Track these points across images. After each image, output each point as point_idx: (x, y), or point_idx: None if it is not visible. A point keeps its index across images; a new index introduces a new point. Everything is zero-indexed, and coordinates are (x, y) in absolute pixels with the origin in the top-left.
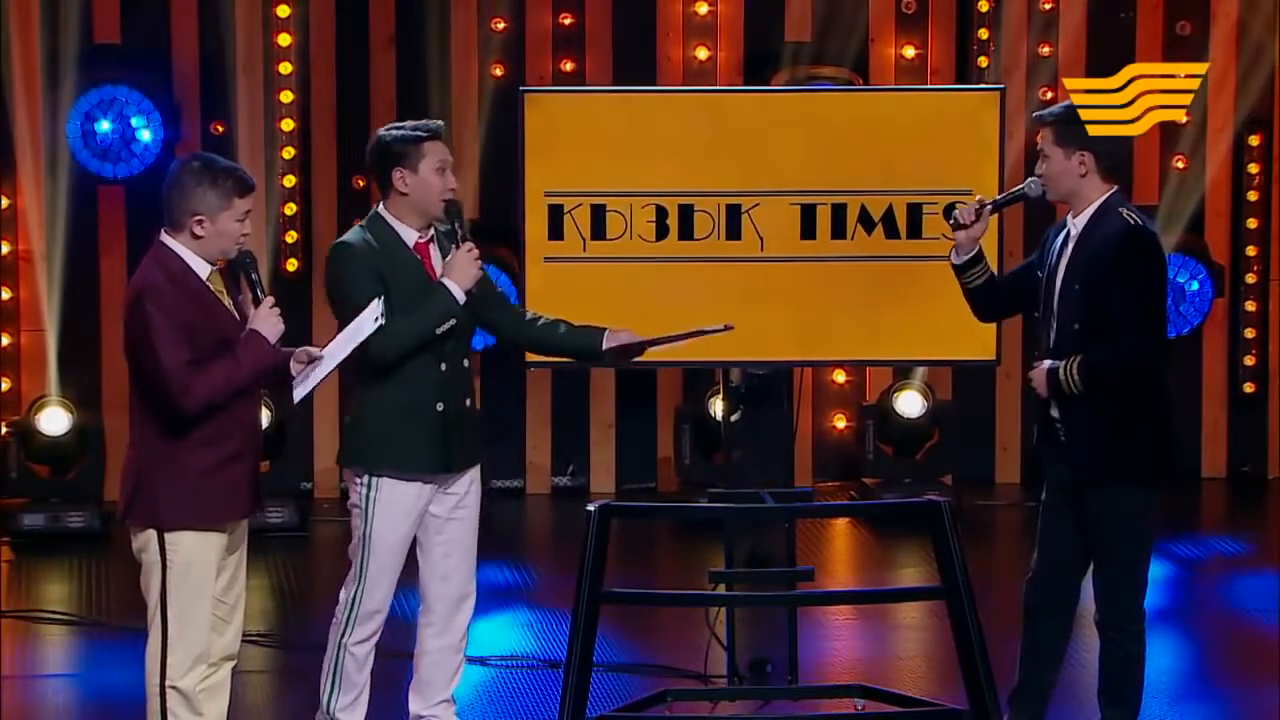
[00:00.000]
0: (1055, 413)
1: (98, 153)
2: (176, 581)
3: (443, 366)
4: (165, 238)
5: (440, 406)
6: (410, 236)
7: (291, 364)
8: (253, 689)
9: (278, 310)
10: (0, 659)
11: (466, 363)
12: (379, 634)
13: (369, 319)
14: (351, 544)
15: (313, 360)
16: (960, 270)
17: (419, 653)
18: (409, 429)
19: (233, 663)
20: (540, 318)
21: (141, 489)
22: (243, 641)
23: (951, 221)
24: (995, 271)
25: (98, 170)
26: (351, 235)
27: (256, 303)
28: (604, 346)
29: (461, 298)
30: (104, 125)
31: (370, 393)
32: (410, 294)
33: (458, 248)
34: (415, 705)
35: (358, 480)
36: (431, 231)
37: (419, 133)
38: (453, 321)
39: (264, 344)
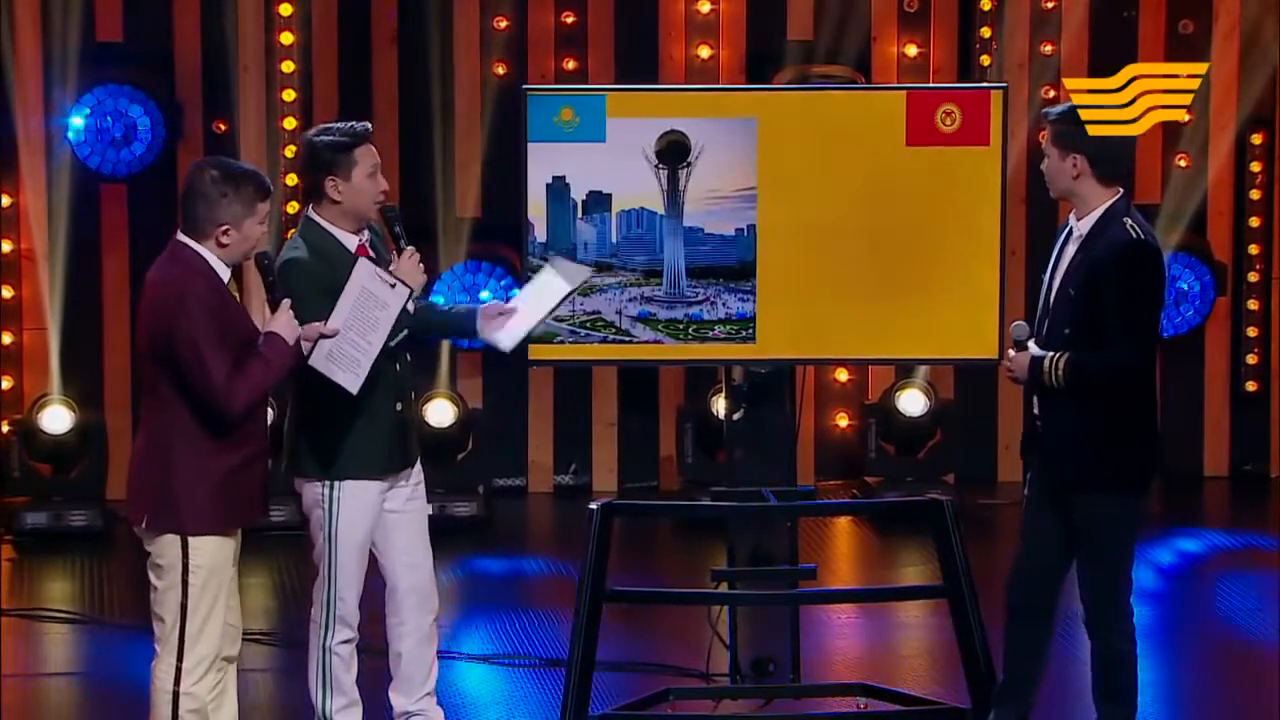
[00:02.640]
0: (1036, 409)
1: (100, 151)
2: (198, 587)
3: (397, 367)
4: (185, 240)
5: (399, 406)
6: (350, 241)
7: (303, 344)
8: (254, 687)
9: (292, 313)
10: (1, 657)
11: (409, 358)
12: (358, 632)
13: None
14: (316, 549)
15: (322, 336)
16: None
17: (395, 652)
18: (372, 431)
19: (234, 664)
20: (422, 304)
21: (163, 494)
22: (243, 640)
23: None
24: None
25: (100, 168)
26: (297, 251)
27: (274, 303)
28: (478, 329)
29: (411, 307)
30: (106, 123)
31: (328, 401)
32: None
33: (399, 254)
34: (398, 703)
35: (317, 485)
36: (365, 233)
37: (349, 139)
38: (405, 332)
39: (285, 345)
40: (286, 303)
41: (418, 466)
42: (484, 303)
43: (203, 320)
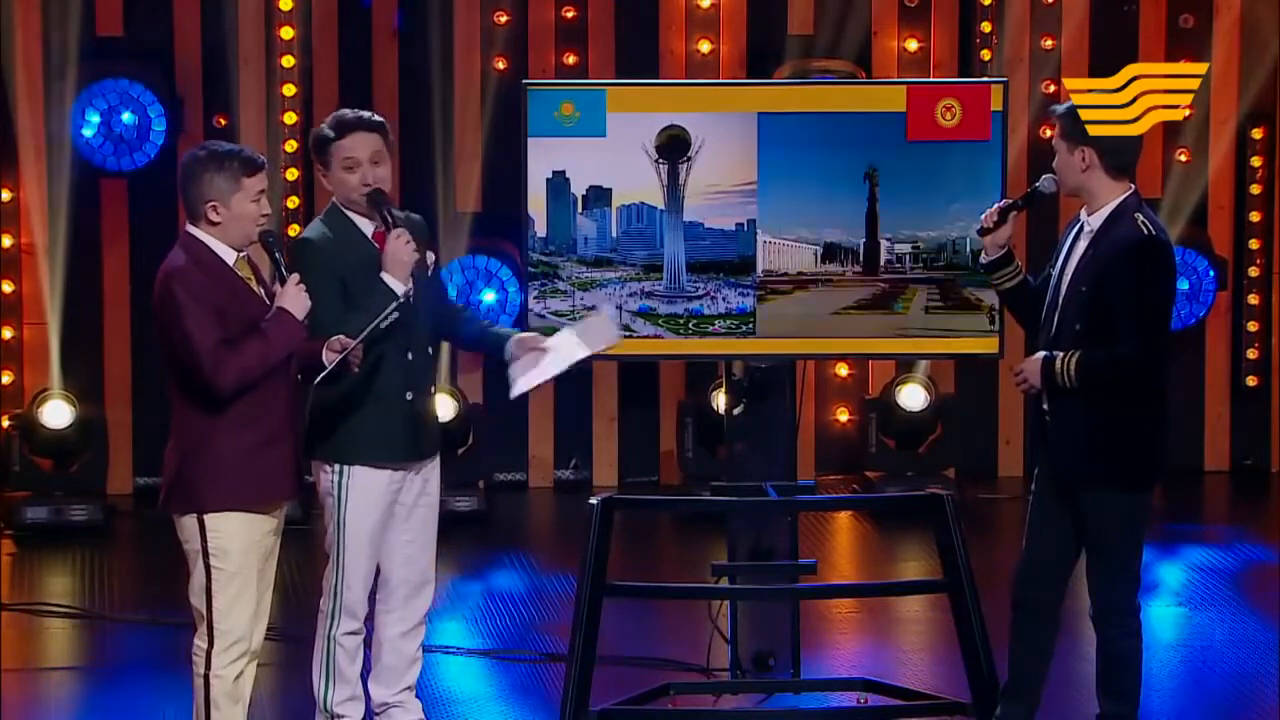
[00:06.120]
0: (1046, 405)
1: (100, 146)
2: (221, 569)
3: (409, 355)
4: (188, 227)
5: (409, 395)
6: (367, 227)
7: (324, 352)
8: (256, 682)
9: (303, 287)
10: (2, 652)
11: (431, 350)
12: (364, 626)
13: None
14: (327, 536)
15: (345, 347)
16: (989, 271)
17: (378, 640)
18: (380, 419)
19: (256, 659)
20: (466, 311)
21: (180, 475)
22: None
23: (977, 228)
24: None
25: (100, 163)
26: (312, 231)
27: (281, 280)
28: (507, 355)
29: (400, 288)
30: (107, 118)
31: (341, 386)
32: (377, 283)
33: (388, 233)
34: (378, 693)
35: (328, 469)
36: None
37: (329, 133)
38: (396, 315)
39: (293, 321)
40: (295, 278)
41: (435, 463)
42: (520, 332)
43: (187, 295)
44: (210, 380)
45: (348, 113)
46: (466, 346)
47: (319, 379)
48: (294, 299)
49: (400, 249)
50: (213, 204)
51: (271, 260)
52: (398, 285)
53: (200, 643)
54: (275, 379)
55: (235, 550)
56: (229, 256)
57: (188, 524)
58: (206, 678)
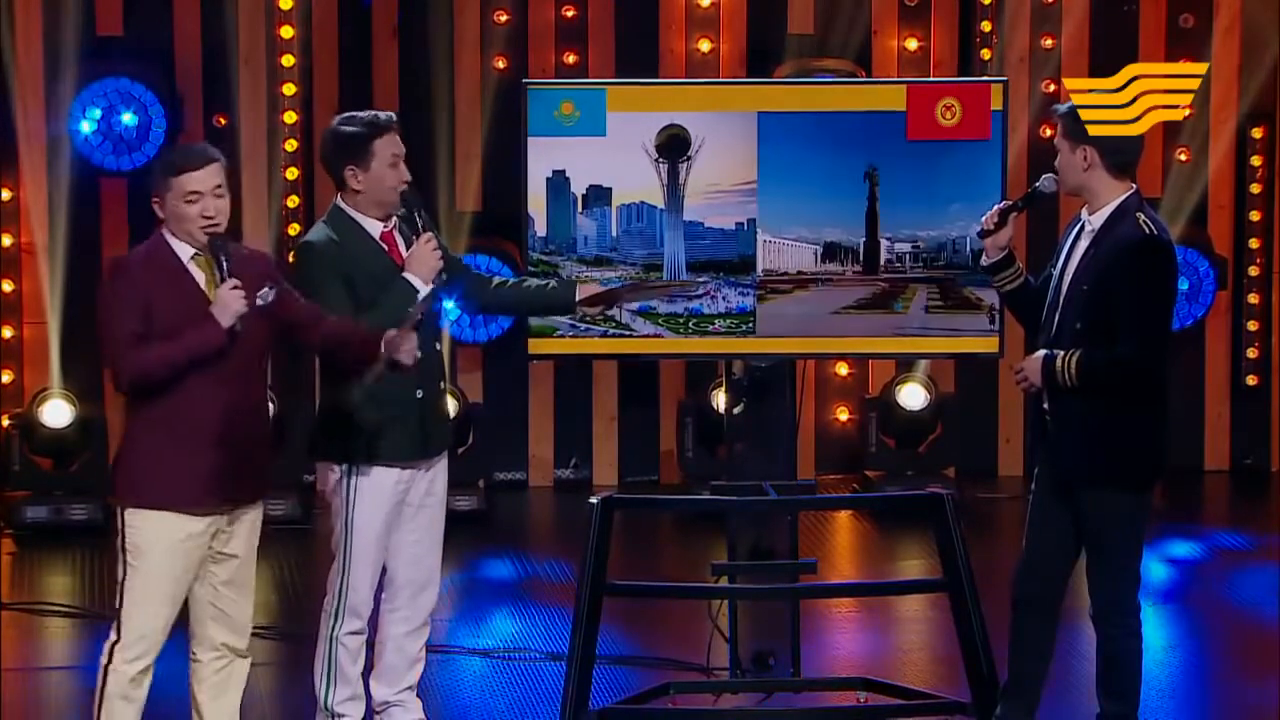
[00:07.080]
0: (1046, 404)
1: (100, 145)
2: (133, 565)
3: (417, 352)
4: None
5: (420, 394)
6: (374, 228)
7: (384, 345)
8: (256, 681)
9: (240, 292)
10: (1, 651)
11: (438, 345)
12: (367, 625)
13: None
14: (334, 536)
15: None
16: (991, 273)
17: (381, 639)
18: (390, 418)
19: (246, 659)
20: (506, 280)
21: (114, 467)
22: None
23: (978, 230)
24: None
25: (100, 163)
26: (315, 234)
27: (221, 283)
28: (577, 299)
29: (425, 290)
30: (106, 118)
31: (347, 385)
32: (382, 284)
33: (417, 238)
34: (379, 692)
35: (336, 469)
36: (394, 220)
37: (369, 129)
38: (419, 315)
39: (214, 327)
40: (231, 283)
41: (442, 462)
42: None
43: (116, 286)
44: (115, 372)
45: (373, 113)
46: (530, 313)
47: (369, 377)
48: (223, 304)
49: (427, 254)
50: (156, 199)
51: (216, 266)
52: (421, 284)
53: (111, 633)
54: (202, 381)
55: (148, 549)
56: (184, 252)
57: (118, 515)
58: (106, 670)
